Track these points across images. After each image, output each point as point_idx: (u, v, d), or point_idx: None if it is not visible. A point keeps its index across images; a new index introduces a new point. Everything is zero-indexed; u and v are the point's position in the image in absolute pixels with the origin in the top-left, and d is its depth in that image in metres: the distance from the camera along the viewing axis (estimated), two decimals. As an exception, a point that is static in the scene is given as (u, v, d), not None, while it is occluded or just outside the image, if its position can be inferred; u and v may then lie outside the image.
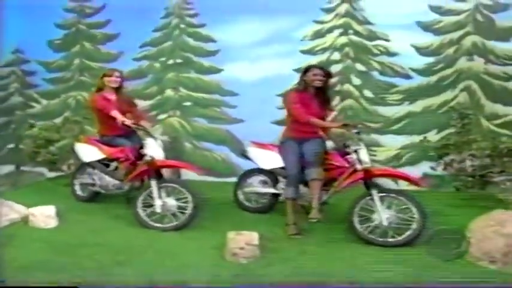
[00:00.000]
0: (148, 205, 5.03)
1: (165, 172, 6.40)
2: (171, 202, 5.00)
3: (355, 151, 4.80)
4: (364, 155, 4.76)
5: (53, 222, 4.99)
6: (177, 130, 7.14)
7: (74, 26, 7.50)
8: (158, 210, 4.95)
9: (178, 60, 7.20)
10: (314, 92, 5.03)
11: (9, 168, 7.62)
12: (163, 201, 4.97)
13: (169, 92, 7.19)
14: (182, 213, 4.96)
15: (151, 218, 4.98)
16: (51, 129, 6.74)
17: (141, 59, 7.26)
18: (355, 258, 4.30)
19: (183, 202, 4.98)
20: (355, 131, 4.86)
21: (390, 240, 4.58)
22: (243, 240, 4.23)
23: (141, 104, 7.10)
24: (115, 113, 5.31)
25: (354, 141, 4.86)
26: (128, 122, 5.26)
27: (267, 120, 6.56)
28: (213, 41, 7.10)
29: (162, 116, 7.21)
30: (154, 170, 5.09)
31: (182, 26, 7.19)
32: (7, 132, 7.67)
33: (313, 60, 6.66)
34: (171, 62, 7.20)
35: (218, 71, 7.08)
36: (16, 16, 7.36)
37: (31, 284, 3.85)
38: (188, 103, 7.16)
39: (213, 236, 4.65)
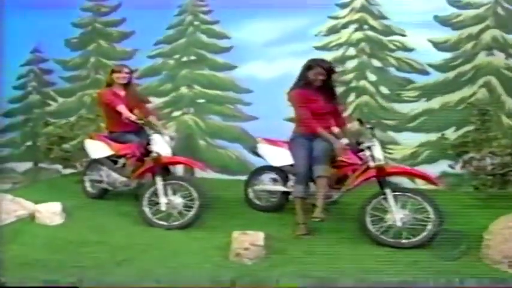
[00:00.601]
0: (154, 203, 4.70)
1: (179, 170, 6.21)
2: (177, 200, 4.66)
3: (369, 148, 4.39)
4: (377, 151, 4.36)
5: (58, 219, 4.72)
6: (191, 127, 6.79)
7: (90, 24, 7.21)
8: (163, 208, 4.62)
9: (192, 57, 6.84)
10: (317, 88, 4.61)
11: (27, 165, 7.39)
12: (168, 198, 4.65)
13: (183, 89, 6.84)
14: (188, 211, 4.62)
15: (156, 216, 4.65)
16: (65, 127, 6.47)
17: (155, 57, 6.92)
18: (366, 260, 3.91)
19: (189, 200, 4.63)
20: (369, 126, 4.45)
21: (404, 241, 4.16)
22: (248, 241, 3.88)
23: (155, 101, 6.85)
24: (121, 108, 5.03)
25: (368, 137, 4.46)
26: (133, 117, 4.97)
27: (282, 117, 6.13)
28: (227, 37, 6.73)
29: (176, 114, 6.86)
30: (161, 167, 4.77)
31: (196, 23, 6.84)
32: (25, 130, 7.43)
33: (328, 56, 6.26)
34: (185, 59, 6.85)
35: (232, 67, 6.70)
36: (35, 16, 7.11)
37: (31, 284, 3.57)
38: (202, 100, 6.81)
39: (219, 235, 4.30)
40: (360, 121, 4.59)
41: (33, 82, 7.40)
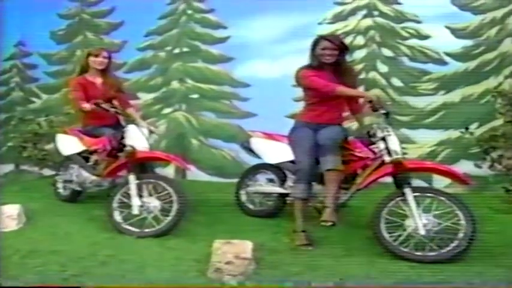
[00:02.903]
0: (127, 205, 3.72)
1: (170, 172, 5.32)
2: (154, 202, 3.68)
3: (383, 139, 3.41)
4: (394, 143, 3.38)
5: (13, 224, 3.77)
6: (183, 125, 5.81)
7: (77, 15, 6.31)
8: (135, 211, 3.64)
9: (185, 49, 5.90)
10: (331, 69, 3.64)
11: (9, 167, 6.44)
12: (142, 200, 3.67)
13: (175, 84, 5.88)
14: (166, 216, 3.63)
15: (127, 222, 3.66)
16: (43, 123, 5.54)
17: (146, 49, 5.97)
18: (382, 278, 2.92)
19: (167, 203, 3.66)
20: (383, 111, 3.45)
21: (429, 254, 3.14)
22: (231, 252, 2.89)
23: (145, 97, 5.94)
24: (76, 95, 4.21)
25: (381, 126, 3.46)
26: (88, 106, 4.05)
27: (283, 114, 5.11)
28: (223, 27, 5.79)
29: (166, 110, 5.89)
30: (136, 163, 3.80)
31: (189, 11, 5.91)
32: (7, 130, 6.48)
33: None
34: (177, 51, 5.91)
35: (228, 59, 5.76)
36: (19, 7, 6.24)
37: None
38: (195, 95, 5.83)
39: (199, 245, 3.33)
40: (372, 104, 3.45)
41: (16, 78, 6.48)
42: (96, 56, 4.38)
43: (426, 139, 5.17)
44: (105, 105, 4.01)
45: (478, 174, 4.77)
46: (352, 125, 4.33)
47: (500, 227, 3.75)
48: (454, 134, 5.07)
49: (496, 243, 3.42)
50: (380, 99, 3.56)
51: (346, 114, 3.94)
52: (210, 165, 5.70)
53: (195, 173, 5.57)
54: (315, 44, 3.65)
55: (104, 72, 4.43)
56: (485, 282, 2.83)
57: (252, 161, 4.49)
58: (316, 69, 3.64)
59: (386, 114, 3.45)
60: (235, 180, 4.49)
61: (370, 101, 3.39)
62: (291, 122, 3.94)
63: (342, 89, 3.51)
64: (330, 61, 3.60)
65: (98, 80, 4.40)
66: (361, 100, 3.85)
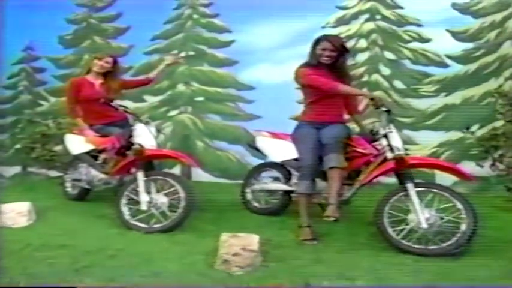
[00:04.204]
0: (135, 202, 3.78)
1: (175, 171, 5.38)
2: (162, 199, 3.74)
3: (385, 135, 3.47)
4: (396, 140, 3.44)
5: (23, 221, 3.83)
6: (188, 128, 5.90)
7: (85, 20, 6.41)
8: (144, 207, 3.70)
9: (191, 53, 6.00)
10: (328, 69, 3.68)
11: (16, 169, 6.51)
12: (151, 197, 3.73)
13: (180, 87, 5.98)
14: (173, 212, 3.69)
15: (136, 217, 3.72)
16: (52, 125, 5.62)
17: (152, 53, 6.07)
18: (385, 270, 2.94)
19: (175, 199, 3.72)
20: (385, 109, 3.51)
21: (432, 247, 3.20)
22: (238, 244, 2.94)
23: (151, 99, 6.05)
24: (67, 97, 4.54)
25: (383, 124, 3.52)
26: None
27: (287, 116, 5.18)
28: (228, 31, 5.89)
29: (172, 113, 5.99)
30: (144, 161, 3.87)
31: (195, 16, 6.01)
32: (14, 132, 6.55)
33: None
34: (183, 54, 6.00)
35: (233, 63, 5.85)
36: (28, 12, 6.36)
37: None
38: (201, 98, 5.92)
39: (207, 240, 3.37)
40: (374, 102, 3.46)
41: (25, 81, 6.57)
42: (100, 59, 4.53)
43: (428, 140, 5.24)
44: (114, 104, 4.09)
45: (481, 175, 4.80)
46: (356, 126, 4.39)
47: (503, 224, 3.81)
48: (455, 135, 5.14)
49: (498, 238, 3.48)
50: (381, 98, 3.61)
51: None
52: (215, 167, 5.78)
53: (200, 175, 5.64)
54: (316, 42, 3.70)
55: (106, 75, 4.55)
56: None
57: (257, 163, 4.58)
58: (314, 68, 3.68)
59: (388, 112, 3.50)
60: (241, 181, 4.55)
61: (372, 99, 3.44)
62: (295, 124, 3.99)
63: (344, 88, 3.56)
64: (327, 62, 3.65)
65: (97, 81, 4.52)
66: (364, 101, 3.91)
